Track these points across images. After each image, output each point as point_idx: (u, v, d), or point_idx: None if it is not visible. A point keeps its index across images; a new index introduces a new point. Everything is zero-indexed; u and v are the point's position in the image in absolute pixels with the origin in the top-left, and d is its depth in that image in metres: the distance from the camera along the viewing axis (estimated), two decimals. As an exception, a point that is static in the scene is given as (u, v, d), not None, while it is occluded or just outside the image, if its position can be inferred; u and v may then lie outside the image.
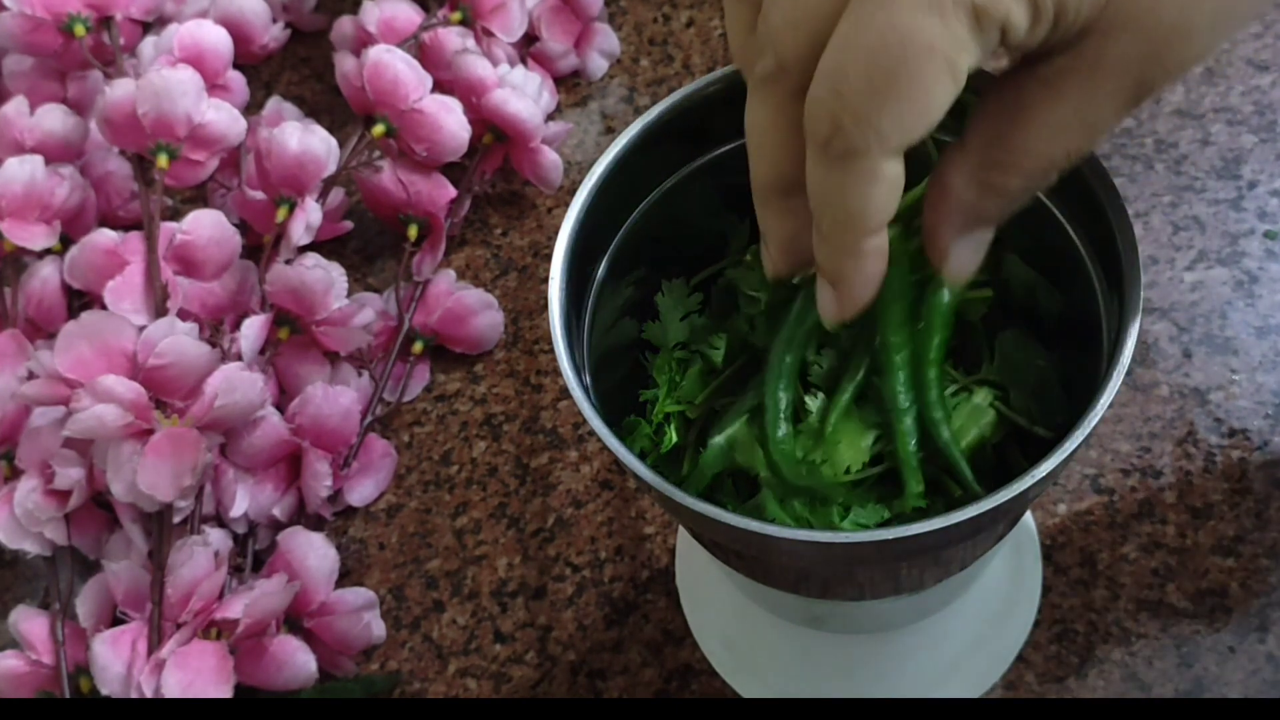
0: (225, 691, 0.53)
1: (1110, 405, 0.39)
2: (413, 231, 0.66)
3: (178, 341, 0.56)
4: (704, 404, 0.47)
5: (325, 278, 0.61)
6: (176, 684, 0.52)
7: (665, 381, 0.47)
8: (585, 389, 0.42)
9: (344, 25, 0.72)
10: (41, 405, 0.59)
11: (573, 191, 0.47)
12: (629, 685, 0.56)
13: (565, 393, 0.64)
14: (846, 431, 0.45)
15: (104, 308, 0.59)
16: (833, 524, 0.43)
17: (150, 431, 0.55)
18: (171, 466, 0.55)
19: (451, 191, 0.67)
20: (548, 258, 0.68)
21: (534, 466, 0.62)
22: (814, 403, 0.45)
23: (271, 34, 0.74)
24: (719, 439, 0.44)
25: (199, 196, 0.71)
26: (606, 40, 0.74)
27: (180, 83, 0.62)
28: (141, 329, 0.57)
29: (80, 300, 0.63)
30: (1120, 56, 0.33)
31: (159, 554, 0.56)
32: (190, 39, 0.66)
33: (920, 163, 0.48)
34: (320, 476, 0.59)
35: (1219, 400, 0.58)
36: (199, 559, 0.55)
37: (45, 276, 0.63)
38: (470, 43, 0.69)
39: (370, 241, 0.71)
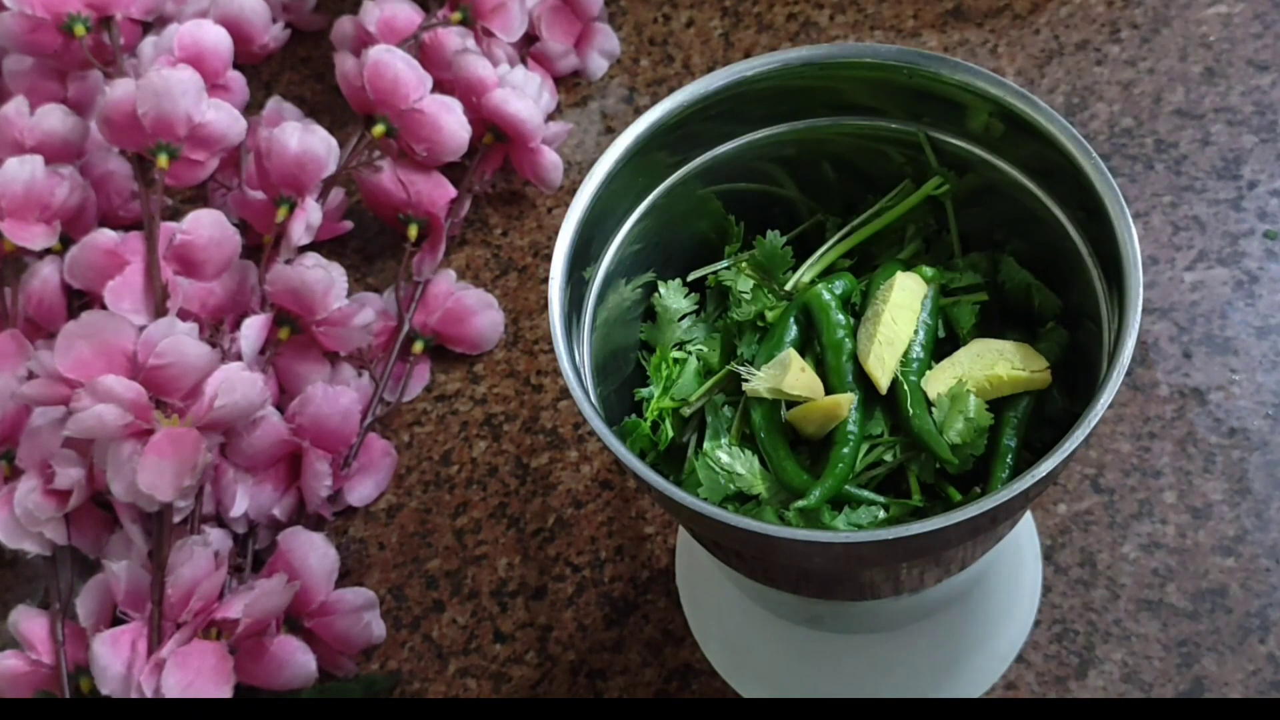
0: (225, 691, 0.53)
1: (1110, 405, 0.39)
2: (413, 231, 0.66)
3: (178, 341, 0.56)
4: (699, 401, 0.47)
5: (325, 278, 0.61)
6: (176, 684, 0.52)
7: (661, 380, 0.47)
8: (585, 389, 0.42)
9: (344, 25, 0.72)
10: (41, 405, 0.59)
11: (573, 191, 0.47)
12: (629, 685, 0.56)
13: (565, 393, 0.64)
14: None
15: (104, 308, 0.59)
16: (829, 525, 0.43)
17: (150, 431, 0.55)
18: (171, 466, 0.55)
19: (451, 191, 0.67)
20: (548, 258, 0.68)
21: (534, 466, 0.62)
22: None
23: (271, 34, 0.74)
24: (713, 465, 0.44)
25: (199, 196, 0.71)
26: (606, 40, 0.74)
27: (180, 83, 0.62)
28: (141, 329, 0.57)
29: (80, 300, 0.63)
30: None
31: (159, 554, 0.56)
32: (190, 39, 0.66)
33: (916, 167, 0.48)
34: (320, 476, 0.59)
35: (1219, 400, 0.58)
36: (199, 559, 0.55)
37: (45, 276, 0.63)
38: (470, 43, 0.69)
39: (370, 241, 0.71)
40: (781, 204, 0.50)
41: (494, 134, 0.68)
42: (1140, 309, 0.40)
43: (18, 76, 0.69)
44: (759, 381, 0.44)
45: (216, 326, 0.62)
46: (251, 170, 0.66)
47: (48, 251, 0.64)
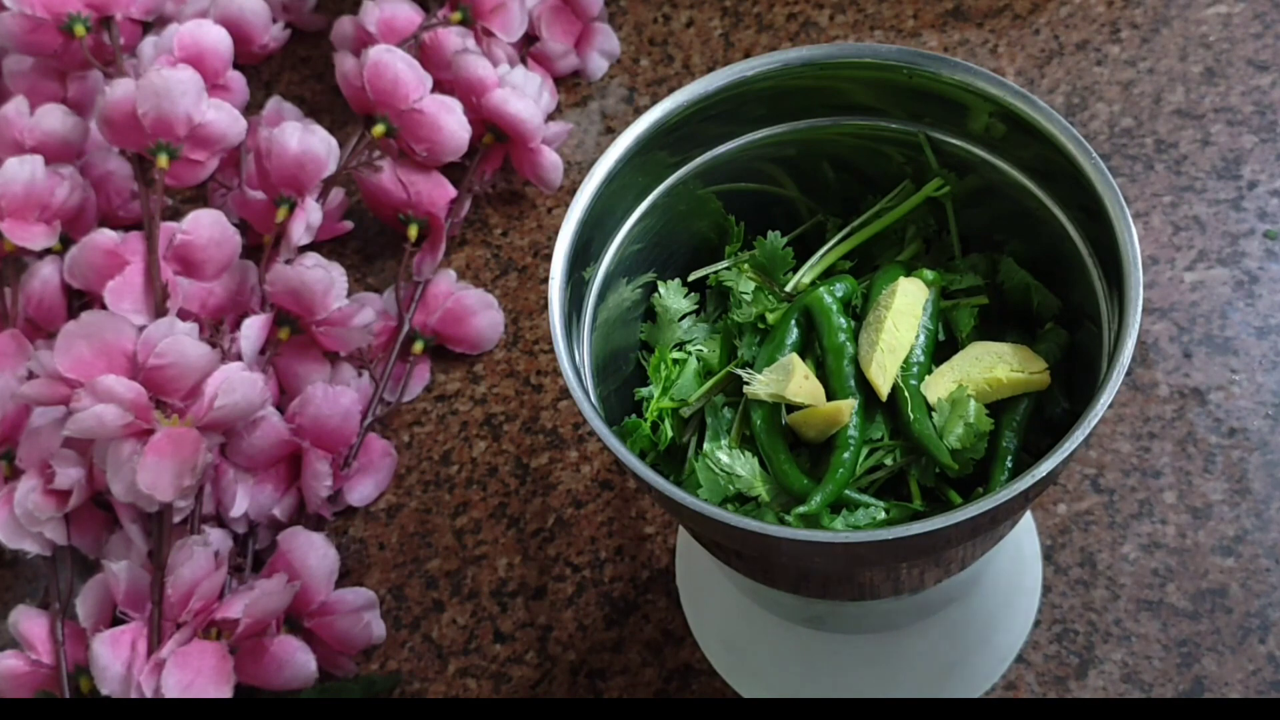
0: (225, 691, 0.53)
1: (1110, 405, 0.39)
2: (413, 231, 0.66)
3: (178, 341, 0.56)
4: (698, 402, 0.47)
5: (325, 278, 0.61)
6: (176, 684, 0.52)
7: (661, 380, 0.47)
8: (585, 389, 0.42)
9: (344, 25, 0.72)
10: (41, 405, 0.59)
11: (573, 191, 0.47)
12: (629, 685, 0.56)
13: (565, 393, 0.64)
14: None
15: (104, 308, 0.59)
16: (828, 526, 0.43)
17: (150, 431, 0.55)
18: (171, 466, 0.55)
19: (451, 191, 0.67)
20: (548, 258, 0.68)
21: (534, 466, 0.62)
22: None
23: (271, 34, 0.74)
24: (713, 466, 0.44)
25: (199, 196, 0.71)
26: (606, 40, 0.74)
27: (180, 83, 0.62)
28: (141, 329, 0.57)
29: (80, 300, 0.63)
30: None
31: (159, 554, 0.56)
32: (190, 39, 0.66)
33: (917, 168, 0.48)
34: (320, 476, 0.59)
35: (1219, 400, 0.58)
36: (199, 559, 0.55)
37: (45, 276, 0.63)
38: (470, 43, 0.69)
39: (370, 241, 0.71)
40: (781, 204, 0.50)
41: (494, 134, 0.68)
42: (1140, 309, 0.40)
43: (18, 76, 0.69)
44: (760, 386, 0.44)
45: (216, 326, 0.62)
46: (251, 170, 0.66)
47: (48, 251, 0.64)
